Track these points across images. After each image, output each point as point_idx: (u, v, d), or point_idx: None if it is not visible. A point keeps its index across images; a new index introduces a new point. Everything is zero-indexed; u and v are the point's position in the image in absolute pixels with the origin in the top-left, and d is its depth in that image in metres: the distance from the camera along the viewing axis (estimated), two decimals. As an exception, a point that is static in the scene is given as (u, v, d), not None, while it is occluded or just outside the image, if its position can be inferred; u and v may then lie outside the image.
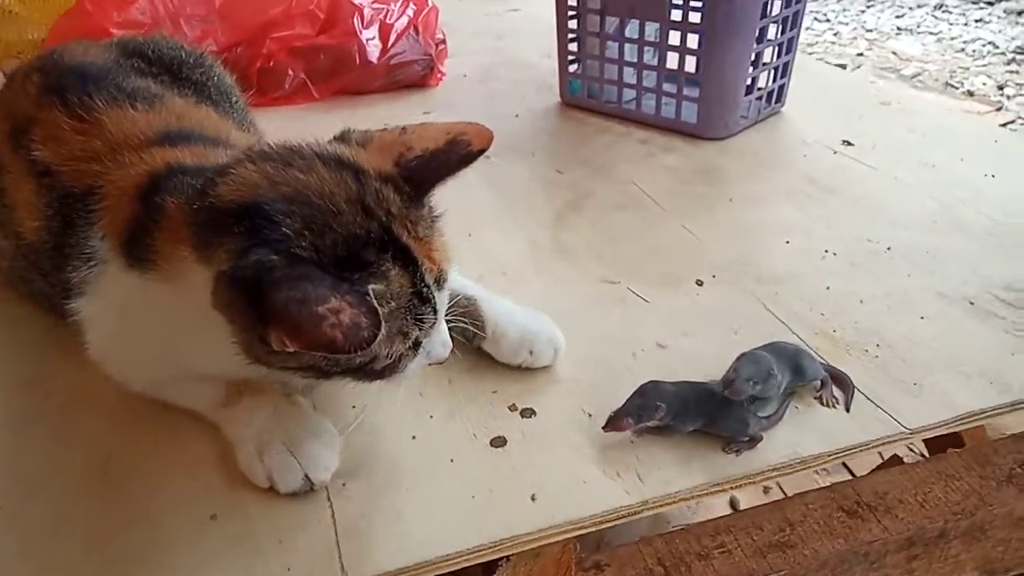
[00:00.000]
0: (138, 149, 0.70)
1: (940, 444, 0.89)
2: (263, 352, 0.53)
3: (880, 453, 1.25)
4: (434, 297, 0.58)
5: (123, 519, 0.58)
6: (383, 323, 0.49)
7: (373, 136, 0.62)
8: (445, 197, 1.09)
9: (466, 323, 0.71)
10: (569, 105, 1.45)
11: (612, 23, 1.32)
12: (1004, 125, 3.36)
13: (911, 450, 1.18)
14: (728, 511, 0.81)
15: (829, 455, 0.67)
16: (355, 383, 0.58)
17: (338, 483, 0.61)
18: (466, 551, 0.56)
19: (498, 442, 0.66)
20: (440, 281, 0.59)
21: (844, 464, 1.51)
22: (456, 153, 0.61)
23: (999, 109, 3.43)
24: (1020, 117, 3.36)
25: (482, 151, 0.63)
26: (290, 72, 1.34)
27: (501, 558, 0.57)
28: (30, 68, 0.83)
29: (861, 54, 3.43)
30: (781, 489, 1.45)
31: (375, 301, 0.50)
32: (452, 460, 0.64)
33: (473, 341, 0.74)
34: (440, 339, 0.61)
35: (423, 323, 0.57)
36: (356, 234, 0.53)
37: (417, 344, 0.59)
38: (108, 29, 1.21)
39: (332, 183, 0.55)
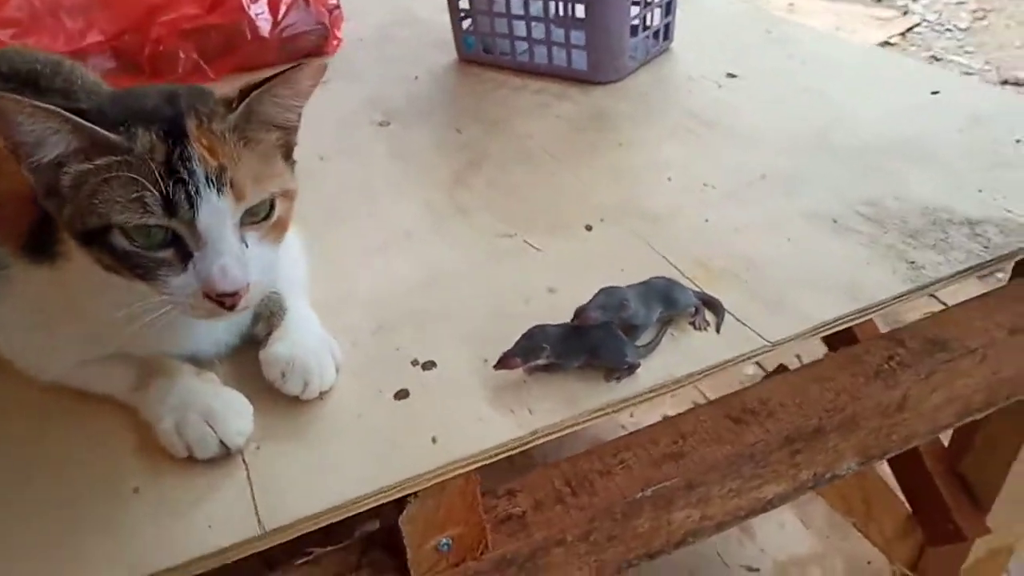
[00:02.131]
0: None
1: (843, 341, 0.98)
2: (57, 211, 0.62)
3: (798, 356, 1.35)
4: (191, 182, 0.59)
5: (50, 504, 0.63)
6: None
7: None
8: (346, 166, 1.13)
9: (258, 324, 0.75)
10: (467, 61, 1.47)
11: (497, -22, 1.34)
12: (909, 30, 3.46)
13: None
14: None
15: (699, 372, 0.74)
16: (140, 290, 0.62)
17: (252, 447, 0.67)
18: (373, 492, 0.62)
19: (401, 395, 0.72)
20: (213, 180, 0.60)
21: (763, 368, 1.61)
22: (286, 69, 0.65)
23: (905, 13, 3.53)
24: (926, 20, 3.46)
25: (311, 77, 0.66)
26: (181, 55, 1.34)
27: (409, 495, 0.64)
28: None
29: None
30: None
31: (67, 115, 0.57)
32: (359, 416, 0.70)
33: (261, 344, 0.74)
34: (218, 262, 0.60)
35: (172, 203, 0.58)
36: (141, 108, 0.61)
37: (186, 255, 0.60)
38: (-16, 28, 1.19)
39: (158, 90, 0.65)
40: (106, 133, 0.58)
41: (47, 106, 0.56)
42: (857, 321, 0.81)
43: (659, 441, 0.82)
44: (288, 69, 0.64)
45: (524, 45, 1.39)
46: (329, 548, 0.71)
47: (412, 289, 0.87)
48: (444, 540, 0.68)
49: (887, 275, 0.84)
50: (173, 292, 0.61)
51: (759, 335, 0.77)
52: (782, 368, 1.15)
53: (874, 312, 0.81)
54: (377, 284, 0.87)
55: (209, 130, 0.61)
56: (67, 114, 0.57)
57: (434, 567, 0.70)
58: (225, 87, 0.67)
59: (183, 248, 0.61)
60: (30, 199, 0.67)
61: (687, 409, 0.85)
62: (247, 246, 0.63)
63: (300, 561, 0.70)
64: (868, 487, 1.25)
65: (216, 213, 0.60)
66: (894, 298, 0.81)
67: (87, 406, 0.71)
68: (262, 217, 0.65)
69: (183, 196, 0.59)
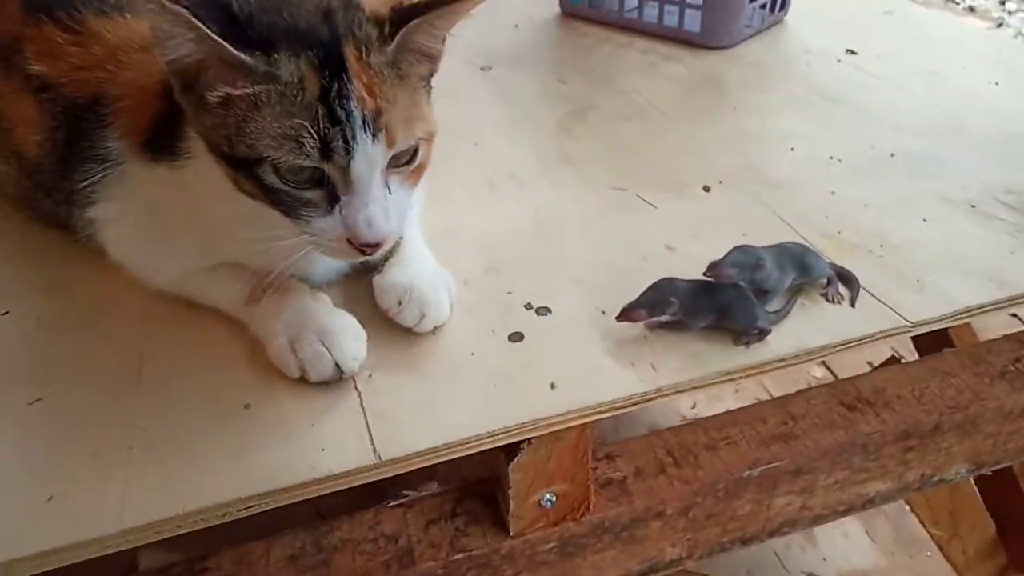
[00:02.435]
0: (146, 50, 0.69)
1: (932, 348, 0.93)
2: (195, 117, 0.58)
3: (869, 364, 1.31)
4: (348, 125, 0.55)
5: (160, 410, 0.61)
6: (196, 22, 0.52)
7: None
8: (449, 107, 1.09)
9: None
10: (569, 15, 1.42)
11: (615, -73, 1.29)
12: (1006, 41, 3.32)
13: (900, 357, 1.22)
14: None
15: (834, 346, 0.69)
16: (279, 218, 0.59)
17: (365, 374, 0.64)
18: (489, 433, 0.59)
19: (516, 337, 0.68)
20: (369, 123, 0.56)
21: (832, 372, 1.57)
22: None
23: (1000, 25, 3.39)
24: (1021, 33, 3.32)
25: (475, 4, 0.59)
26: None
27: (522, 441, 0.60)
28: None
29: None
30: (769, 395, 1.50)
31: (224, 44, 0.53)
32: (473, 354, 0.66)
33: (373, 273, 0.71)
34: (364, 212, 0.57)
35: (329, 147, 0.55)
36: (293, 26, 0.56)
37: (334, 198, 0.57)
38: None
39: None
40: (243, 58, 0.53)
41: (177, 9, 0.51)
42: (1004, 310, 0.75)
43: (768, 420, 0.78)
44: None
45: (634, 2, 1.34)
46: (424, 493, 0.69)
47: (523, 234, 0.83)
48: (548, 495, 0.65)
49: (1036, 266, 0.78)
50: (315, 233, 0.59)
51: (898, 313, 0.72)
52: (894, 360, 1.09)
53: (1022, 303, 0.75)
54: (486, 225, 0.84)
55: (368, 64, 0.57)
56: (198, 24, 0.52)
57: (533, 523, 0.66)
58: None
59: (331, 190, 0.58)
60: (155, 92, 0.64)
61: (797, 391, 0.81)
62: (390, 192, 0.60)
63: (394, 503, 0.67)
64: (958, 501, 1.19)
65: (369, 159, 0.57)
66: (1045, 291, 0.75)
67: (196, 316, 0.69)
68: (405, 161, 0.61)
69: (340, 140, 0.55)
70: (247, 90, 0.55)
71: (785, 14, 1.40)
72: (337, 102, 0.55)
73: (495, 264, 0.77)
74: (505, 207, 0.87)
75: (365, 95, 0.56)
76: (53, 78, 0.72)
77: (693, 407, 1.55)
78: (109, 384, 0.63)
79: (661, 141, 1.02)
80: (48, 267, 0.76)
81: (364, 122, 0.56)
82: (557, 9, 1.44)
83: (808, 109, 1.09)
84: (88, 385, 0.63)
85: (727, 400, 1.54)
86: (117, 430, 0.59)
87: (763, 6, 1.33)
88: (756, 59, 1.26)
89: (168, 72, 0.57)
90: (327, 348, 0.61)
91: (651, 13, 1.32)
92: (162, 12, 0.52)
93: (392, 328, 0.68)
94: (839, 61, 1.25)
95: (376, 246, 0.59)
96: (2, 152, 0.78)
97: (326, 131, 0.55)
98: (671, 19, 1.30)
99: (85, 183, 0.69)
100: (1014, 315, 1.49)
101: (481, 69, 1.23)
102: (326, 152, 0.55)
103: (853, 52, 1.28)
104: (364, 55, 0.57)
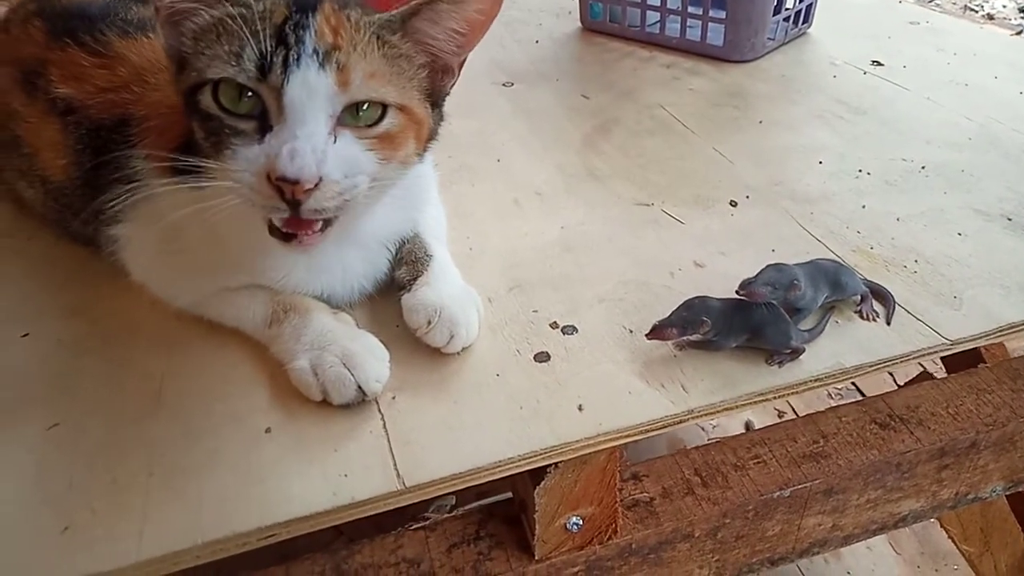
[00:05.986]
0: None
1: (960, 366, 0.90)
2: (179, 78, 0.60)
3: (891, 373, 1.27)
4: (295, 49, 0.54)
5: (180, 435, 0.59)
6: None
7: None
8: (472, 124, 1.09)
9: (401, 268, 0.70)
10: (590, 30, 1.42)
11: (636, -58, 1.28)
12: None
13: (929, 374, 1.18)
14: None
15: (871, 366, 0.67)
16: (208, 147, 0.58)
17: (388, 396, 0.62)
18: (517, 457, 0.57)
19: (542, 357, 0.67)
20: (319, 54, 0.55)
21: (857, 388, 1.53)
22: None
23: (1019, 32, 3.35)
24: (1041, 40, 3.27)
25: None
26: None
27: (549, 465, 0.59)
28: (27, 13, 0.81)
29: (875, -22, 3.34)
30: (795, 411, 1.48)
31: None
32: (498, 375, 0.65)
33: (400, 292, 0.69)
34: (291, 143, 0.53)
35: (267, 67, 0.54)
36: None
37: (266, 128, 0.55)
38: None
39: None
40: None
41: None
42: (1048, 327, 0.72)
43: (798, 439, 0.76)
44: None
45: (655, 16, 1.33)
46: (446, 515, 0.67)
47: (548, 251, 0.81)
48: (575, 519, 0.63)
49: (1078, 280, 0.75)
50: (238, 168, 0.55)
51: (935, 331, 0.69)
52: (926, 375, 1.06)
53: (1066, 318, 0.73)
54: (511, 243, 0.82)
55: (344, 14, 0.57)
56: None
57: (559, 547, 0.64)
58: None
59: (265, 123, 0.55)
60: (181, 111, 0.63)
61: (826, 408, 0.79)
62: (335, 141, 0.56)
63: (415, 526, 0.66)
64: (990, 517, 1.15)
65: (308, 88, 0.54)
66: (1089, 305, 0.73)
67: (217, 337, 0.68)
68: (368, 123, 0.58)
69: (281, 60, 0.54)
70: (219, 12, 0.56)
71: (809, 26, 1.38)
72: (292, 29, 0.55)
73: (520, 282, 0.76)
74: (530, 224, 0.86)
75: (325, 30, 0.56)
76: (79, 101, 0.72)
77: (714, 423, 1.53)
78: (129, 408, 0.62)
79: (686, 156, 1.00)
80: (71, 288, 0.76)
81: (315, 51, 0.55)
82: (578, 24, 1.44)
83: (835, 122, 1.07)
84: (107, 409, 0.62)
85: (745, 411, 1.52)
86: (136, 456, 0.57)
87: (787, 19, 1.31)
88: (781, 72, 1.24)
89: (169, 51, 0.59)
90: (349, 370, 0.60)
91: (673, 27, 1.31)
92: None
93: (415, 349, 0.66)
94: (865, 73, 1.23)
95: (296, 185, 0.53)
96: (27, 177, 0.78)
97: (268, 48, 0.54)
98: (693, 33, 1.28)
99: (111, 203, 0.69)
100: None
101: (504, 85, 1.22)
102: (263, 69, 0.54)
103: (879, 63, 1.26)
104: (344, 8, 0.58)
